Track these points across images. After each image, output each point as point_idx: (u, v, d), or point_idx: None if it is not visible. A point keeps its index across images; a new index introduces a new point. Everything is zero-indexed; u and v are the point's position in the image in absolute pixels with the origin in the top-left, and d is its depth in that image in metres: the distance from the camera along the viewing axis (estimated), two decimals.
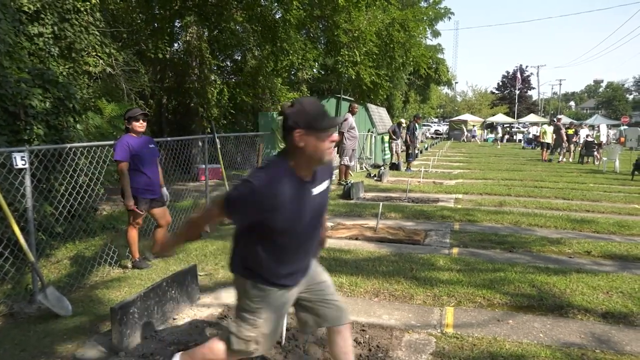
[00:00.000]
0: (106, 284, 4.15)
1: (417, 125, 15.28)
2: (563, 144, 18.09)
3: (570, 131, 18.77)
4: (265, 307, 2.07)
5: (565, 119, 26.63)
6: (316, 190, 2.03)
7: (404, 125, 15.95)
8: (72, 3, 7.27)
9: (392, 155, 15.87)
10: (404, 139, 15.62)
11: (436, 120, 54.78)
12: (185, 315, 3.47)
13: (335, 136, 1.99)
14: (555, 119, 20.95)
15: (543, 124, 21.23)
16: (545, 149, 18.58)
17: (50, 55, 6.99)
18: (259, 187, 1.84)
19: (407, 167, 14.04)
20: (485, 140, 39.41)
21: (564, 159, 18.29)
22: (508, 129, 42.34)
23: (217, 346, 2.16)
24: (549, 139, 18.43)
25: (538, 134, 22.27)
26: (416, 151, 15.41)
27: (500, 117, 44.40)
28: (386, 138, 16.46)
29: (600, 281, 4.08)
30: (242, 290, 2.10)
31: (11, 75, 4.84)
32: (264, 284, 2.05)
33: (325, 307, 2.26)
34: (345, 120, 10.41)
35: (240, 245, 2.10)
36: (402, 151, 15.57)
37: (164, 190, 4.80)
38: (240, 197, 1.90)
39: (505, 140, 36.60)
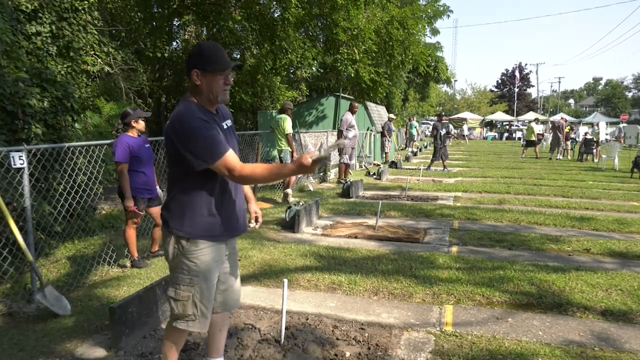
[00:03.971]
0: (105, 283, 4.15)
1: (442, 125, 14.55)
2: (561, 142, 18.28)
3: (567, 128, 18.85)
4: (200, 262, 2.13)
5: (564, 117, 26.63)
6: (224, 124, 2.23)
7: (393, 117, 16.15)
8: (70, 2, 7.26)
9: (385, 154, 15.83)
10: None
11: (435, 118, 54.76)
12: None
13: (230, 80, 2.17)
14: (552, 119, 21.19)
15: (530, 122, 21.55)
16: (528, 147, 19.03)
17: (48, 54, 6.98)
18: (193, 116, 2.02)
19: (443, 167, 13.25)
20: (485, 138, 39.42)
21: (561, 156, 18.42)
22: (507, 126, 42.36)
23: (174, 328, 2.24)
24: (532, 137, 18.87)
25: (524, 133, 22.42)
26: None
27: (500, 115, 44.45)
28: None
29: (599, 279, 4.08)
30: (176, 249, 2.14)
31: (9, 75, 4.83)
32: (198, 237, 2.12)
33: (224, 290, 2.35)
34: (344, 118, 10.40)
35: (175, 201, 2.14)
36: (400, 149, 15.49)
37: (158, 189, 4.81)
38: (204, 133, 2.00)
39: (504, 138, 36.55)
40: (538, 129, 19.42)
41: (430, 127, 43.11)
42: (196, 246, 2.12)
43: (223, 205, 2.17)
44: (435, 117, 17.49)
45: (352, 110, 10.43)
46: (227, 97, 2.20)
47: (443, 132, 13.25)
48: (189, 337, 3.06)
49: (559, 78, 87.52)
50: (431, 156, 14.07)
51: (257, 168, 2.05)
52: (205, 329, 2.25)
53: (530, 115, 41.27)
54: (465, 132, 34.67)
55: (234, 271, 2.39)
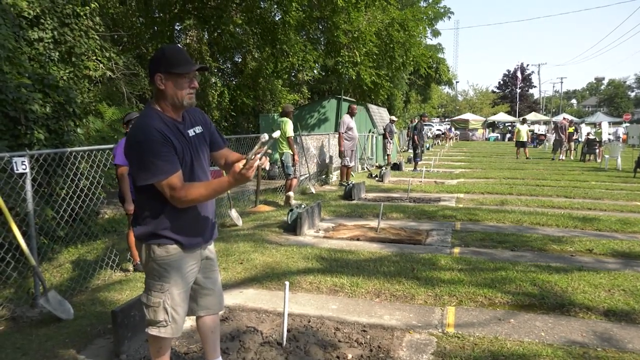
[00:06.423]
0: (108, 287, 4.16)
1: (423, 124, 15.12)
2: (563, 143, 18.25)
3: (570, 129, 18.81)
4: (170, 269, 2.12)
5: (567, 117, 26.61)
6: (191, 132, 2.17)
7: (395, 119, 16.25)
8: (71, 7, 7.31)
9: (387, 155, 15.84)
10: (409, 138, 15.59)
11: (437, 119, 54.71)
12: (187, 317, 3.47)
13: (196, 83, 2.12)
14: (555, 120, 21.26)
15: (517, 123, 21.79)
16: (519, 148, 19.08)
17: (51, 59, 7.02)
18: (151, 127, 1.97)
19: (414, 168, 13.91)
20: (487, 139, 39.38)
21: (564, 157, 18.37)
22: (510, 127, 42.27)
23: (148, 334, 2.23)
24: (523, 137, 18.94)
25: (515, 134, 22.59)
26: (423, 149, 15.07)
27: (502, 116, 44.40)
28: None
29: (602, 279, 4.07)
30: (147, 255, 2.14)
31: (11, 80, 4.87)
32: (168, 242, 2.10)
33: (205, 294, 2.37)
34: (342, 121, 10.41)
35: (142, 208, 2.13)
36: (402, 151, 15.52)
37: None
38: (155, 148, 1.94)
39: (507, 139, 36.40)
40: (524, 128, 19.65)
41: (433, 129, 43.20)
42: (167, 252, 2.11)
43: (189, 212, 2.13)
44: (440, 118, 17.66)
45: (351, 112, 10.44)
46: (194, 101, 2.14)
47: (424, 132, 13.54)
48: (192, 344, 3.07)
49: (561, 78, 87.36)
50: (414, 157, 14.30)
51: (196, 188, 2.01)
52: (177, 335, 2.24)
53: (533, 116, 41.23)
54: (435, 133, 34.23)
55: (213, 276, 2.39)
